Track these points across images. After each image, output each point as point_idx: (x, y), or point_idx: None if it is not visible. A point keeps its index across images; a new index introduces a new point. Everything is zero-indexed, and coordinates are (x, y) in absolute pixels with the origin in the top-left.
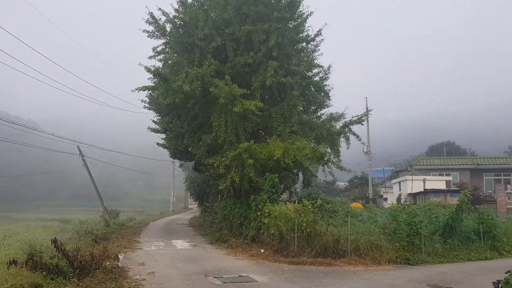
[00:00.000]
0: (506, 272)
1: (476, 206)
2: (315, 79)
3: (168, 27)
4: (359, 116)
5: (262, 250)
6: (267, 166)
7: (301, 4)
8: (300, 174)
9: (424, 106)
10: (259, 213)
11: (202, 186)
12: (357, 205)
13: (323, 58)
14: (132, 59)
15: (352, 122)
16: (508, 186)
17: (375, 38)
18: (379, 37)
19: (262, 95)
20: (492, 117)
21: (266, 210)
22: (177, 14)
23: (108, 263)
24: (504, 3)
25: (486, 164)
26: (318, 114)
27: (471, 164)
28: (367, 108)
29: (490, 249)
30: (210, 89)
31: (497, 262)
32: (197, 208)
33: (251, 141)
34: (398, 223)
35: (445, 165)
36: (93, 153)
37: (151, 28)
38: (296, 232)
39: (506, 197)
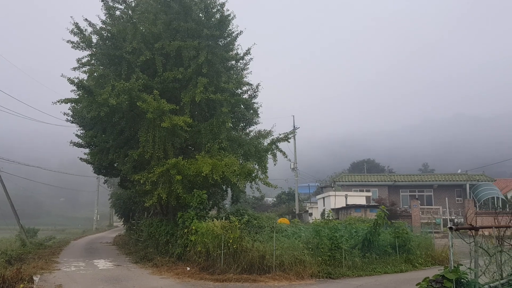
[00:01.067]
0: (416, 285)
1: (393, 221)
2: (244, 96)
3: (94, 38)
4: (286, 133)
5: (188, 268)
6: (195, 182)
7: (231, 23)
8: (229, 190)
9: (349, 125)
10: (186, 230)
11: (128, 203)
12: (284, 221)
13: (252, 76)
14: (57, 72)
15: (279, 140)
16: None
17: (305, 59)
18: (309, 58)
19: (191, 111)
20: (409, 136)
21: (194, 227)
22: (104, 26)
23: (21, 285)
24: (411, 24)
25: (402, 181)
26: (247, 131)
27: (389, 181)
28: (294, 126)
29: (405, 262)
30: (138, 104)
31: (411, 274)
32: (123, 226)
33: (180, 157)
34: (320, 238)
35: (365, 181)
36: (10, 167)
37: (76, 38)
38: (222, 249)
39: (420, 212)
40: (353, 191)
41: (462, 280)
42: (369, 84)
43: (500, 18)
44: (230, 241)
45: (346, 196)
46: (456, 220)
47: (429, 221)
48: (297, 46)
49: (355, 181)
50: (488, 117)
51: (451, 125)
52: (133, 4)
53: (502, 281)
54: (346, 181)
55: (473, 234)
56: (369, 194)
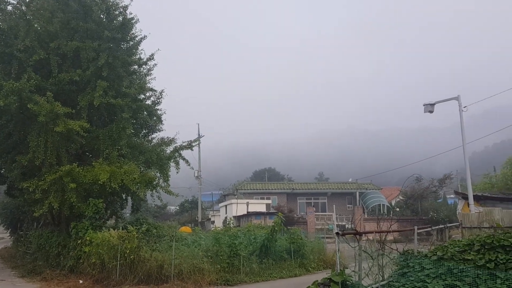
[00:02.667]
0: None
1: (289, 227)
2: (147, 102)
3: None
4: (190, 141)
5: (81, 281)
6: (91, 190)
7: (134, 27)
8: (129, 199)
9: (253, 135)
10: (79, 241)
11: (16, 212)
12: (185, 229)
13: (157, 82)
14: None
15: (182, 147)
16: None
17: (209, 68)
18: (214, 68)
19: (89, 116)
20: (308, 146)
21: (88, 238)
22: None
23: None
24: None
25: (299, 189)
26: (149, 138)
27: (287, 189)
28: (199, 134)
29: (299, 267)
30: (29, 106)
31: (304, 278)
32: (9, 237)
33: (75, 163)
34: (220, 246)
35: (266, 189)
36: None
37: None
38: (119, 259)
39: (315, 219)
40: (254, 199)
41: (347, 282)
42: (272, 96)
43: (380, 38)
44: (127, 252)
45: (247, 204)
46: (347, 225)
47: (323, 227)
48: (206, 55)
49: (256, 189)
50: (377, 129)
51: (344, 136)
52: (27, 0)
53: (382, 283)
54: (248, 189)
55: (358, 239)
56: (269, 201)
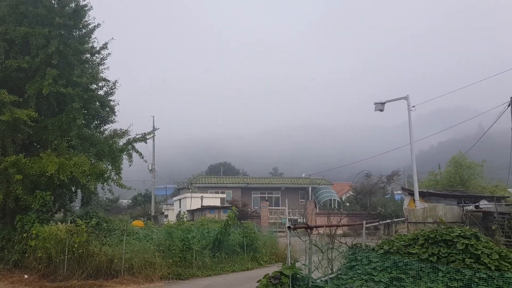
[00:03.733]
0: (257, 281)
1: (243, 221)
2: (99, 92)
3: None
4: (144, 133)
5: (26, 276)
6: (39, 182)
7: (88, 14)
8: (80, 192)
9: (209, 128)
10: (25, 235)
11: None
12: (138, 223)
13: (112, 73)
14: None
15: (136, 140)
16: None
17: (164, 62)
18: (174, 61)
19: (37, 105)
20: (264, 142)
21: (34, 232)
22: None
23: None
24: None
25: (254, 184)
26: (101, 129)
27: (242, 183)
28: (154, 127)
29: (252, 260)
30: None
31: (256, 272)
32: None
33: (21, 154)
34: (172, 240)
35: (221, 183)
36: None
37: None
38: (66, 254)
39: (268, 213)
40: (209, 193)
41: (298, 275)
42: (229, 91)
43: (340, 37)
44: (76, 246)
45: (202, 198)
46: (299, 220)
47: (276, 221)
48: (165, 49)
49: (211, 183)
50: (332, 126)
51: (300, 132)
52: None
53: (331, 275)
54: (202, 183)
55: (308, 233)
56: (224, 196)
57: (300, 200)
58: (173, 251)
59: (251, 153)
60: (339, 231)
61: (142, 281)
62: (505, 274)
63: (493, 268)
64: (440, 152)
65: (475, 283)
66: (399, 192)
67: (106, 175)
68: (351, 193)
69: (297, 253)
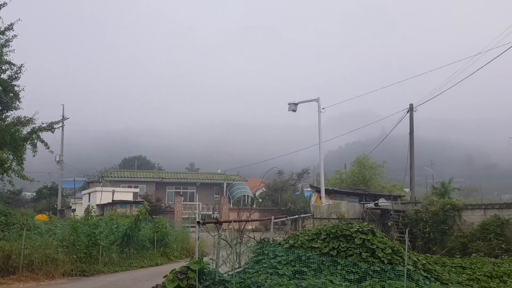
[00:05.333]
0: (164, 277)
1: (156, 216)
2: (2, 76)
3: None
4: (51, 122)
5: None
6: None
7: None
8: None
9: (123, 121)
10: None
11: None
12: (42, 217)
13: (16, 55)
14: None
15: (42, 129)
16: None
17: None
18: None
19: None
20: (181, 136)
21: None
22: None
23: None
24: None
25: (169, 178)
26: (3, 116)
27: (157, 178)
28: (63, 116)
29: (162, 255)
30: None
31: (165, 267)
32: None
33: None
34: (78, 235)
35: (134, 177)
36: None
37: None
38: None
39: (182, 208)
40: (121, 187)
41: (205, 270)
42: (146, 84)
43: (261, 35)
44: None
45: (113, 192)
46: (212, 215)
47: (190, 216)
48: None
49: (124, 177)
50: (251, 124)
51: (218, 128)
52: None
53: (238, 270)
54: (115, 177)
55: (218, 228)
56: (137, 190)
57: (215, 195)
58: (78, 247)
59: (168, 148)
60: (250, 226)
61: (43, 278)
62: (396, 267)
63: (386, 261)
64: (347, 153)
65: (369, 276)
66: (309, 189)
67: (6, 165)
68: (264, 190)
69: (208, 248)
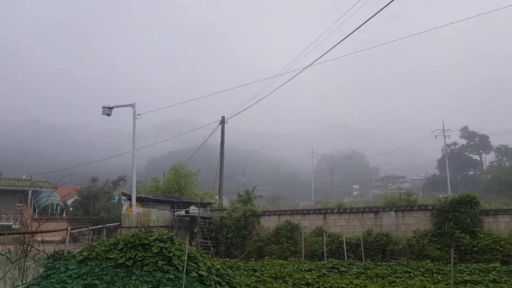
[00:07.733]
0: None
1: None
2: None
3: None
4: None
5: None
6: None
7: None
8: None
9: None
10: None
11: None
12: None
13: None
14: None
15: None
16: None
17: None
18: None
19: None
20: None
21: None
22: None
23: None
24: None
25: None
26: None
27: None
28: None
29: None
30: None
31: None
32: None
33: None
34: None
35: None
36: None
37: None
38: None
39: None
40: None
41: None
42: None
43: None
44: None
45: None
46: (13, 226)
47: None
48: None
49: None
50: (64, 126)
51: (26, 129)
52: None
53: (21, 287)
54: None
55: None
56: None
57: (18, 204)
58: None
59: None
60: (56, 238)
61: None
62: (190, 273)
63: (181, 268)
64: (169, 161)
65: (163, 284)
66: (124, 197)
67: None
68: (77, 198)
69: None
